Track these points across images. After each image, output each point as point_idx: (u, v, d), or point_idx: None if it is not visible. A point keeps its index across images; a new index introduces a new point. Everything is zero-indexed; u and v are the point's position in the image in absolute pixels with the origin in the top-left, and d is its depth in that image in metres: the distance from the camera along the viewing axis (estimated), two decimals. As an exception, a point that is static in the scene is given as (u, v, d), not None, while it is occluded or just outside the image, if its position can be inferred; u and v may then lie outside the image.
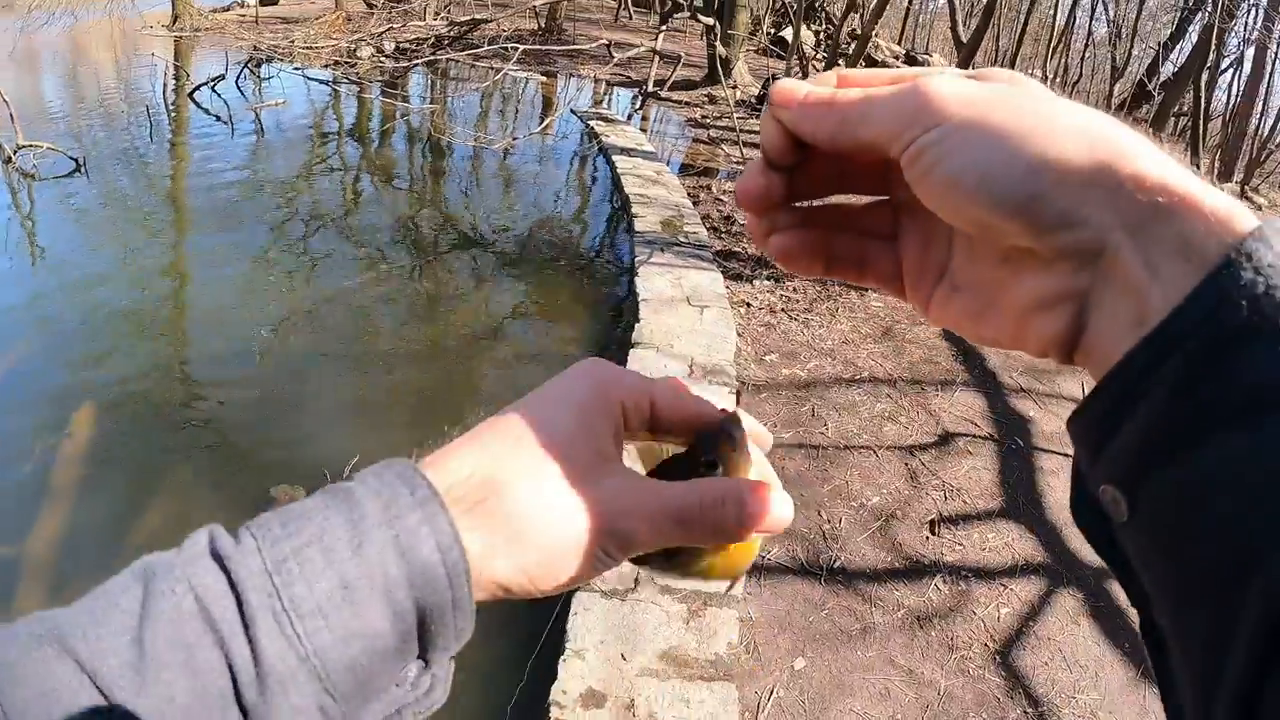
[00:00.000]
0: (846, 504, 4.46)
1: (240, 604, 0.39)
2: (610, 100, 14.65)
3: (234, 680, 0.38)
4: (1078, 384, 6.32)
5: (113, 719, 0.36)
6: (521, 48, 8.96)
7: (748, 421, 0.53)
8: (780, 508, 0.48)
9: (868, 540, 4.19)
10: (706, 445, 0.52)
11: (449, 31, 15.07)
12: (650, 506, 0.47)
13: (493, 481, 0.45)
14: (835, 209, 0.51)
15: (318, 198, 9.20)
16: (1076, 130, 0.38)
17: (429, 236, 8.25)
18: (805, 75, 7.99)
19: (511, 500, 0.45)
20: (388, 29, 14.78)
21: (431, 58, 11.79)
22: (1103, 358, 0.38)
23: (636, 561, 0.51)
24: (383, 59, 13.97)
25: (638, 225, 7.64)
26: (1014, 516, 4.66)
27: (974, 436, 5.28)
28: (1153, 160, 0.36)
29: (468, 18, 14.66)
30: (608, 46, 10.94)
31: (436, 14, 18.14)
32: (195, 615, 0.38)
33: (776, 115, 0.46)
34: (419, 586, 0.41)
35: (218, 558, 0.40)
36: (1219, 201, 0.35)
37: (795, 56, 7.52)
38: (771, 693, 3.33)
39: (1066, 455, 5.32)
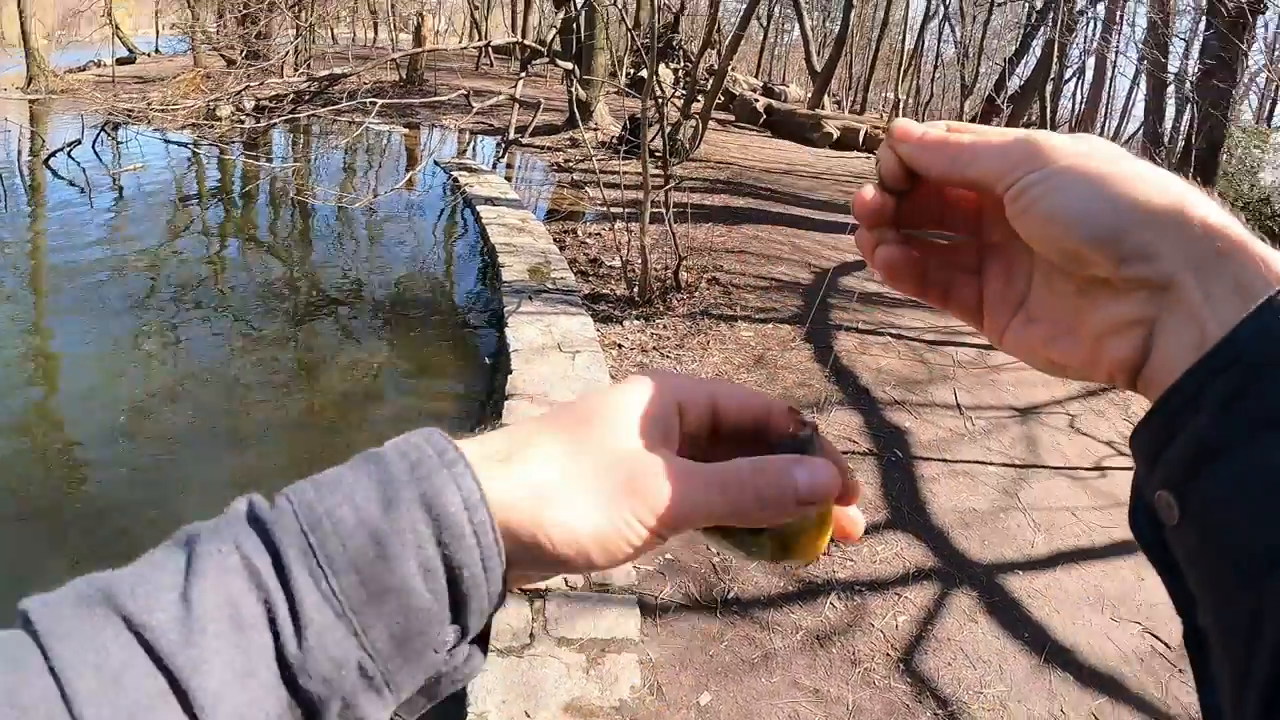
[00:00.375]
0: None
1: (279, 562, 0.40)
2: (475, 149, 14.63)
3: (276, 634, 0.39)
4: (949, 391, 6.47)
5: (160, 671, 0.36)
6: (380, 102, 8.82)
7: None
8: (836, 477, 0.51)
9: (758, 568, 4.19)
10: (782, 437, 0.53)
11: (308, 87, 14.86)
12: (690, 470, 0.48)
13: (523, 447, 0.47)
14: (931, 242, 0.57)
15: (182, 266, 8.89)
16: (1156, 182, 0.45)
17: (297, 301, 8.05)
18: (662, 115, 8.11)
19: (537, 460, 0.47)
20: (246, 87, 14.49)
21: (291, 115, 11.57)
22: (1164, 378, 0.44)
23: (706, 533, 0.52)
24: (243, 118, 13.67)
25: (505, 275, 7.58)
26: (901, 526, 4.74)
27: (853, 453, 5.36)
28: (1215, 212, 0.44)
29: (326, 72, 14.42)
30: (466, 96, 10.89)
31: (296, 69, 17.93)
32: (239, 571, 0.40)
33: (895, 147, 0.54)
34: (446, 544, 0.42)
35: (255, 521, 0.42)
36: (1267, 251, 0.42)
37: (650, 97, 7.53)
38: (678, 732, 3.29)
39: (945, 461, 5.43)
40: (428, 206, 11.42)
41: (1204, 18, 12.58)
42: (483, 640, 0.48)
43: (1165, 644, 4.26)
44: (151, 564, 0.40)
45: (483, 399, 6.02)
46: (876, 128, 18.89)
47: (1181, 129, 14.61)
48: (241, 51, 18.86)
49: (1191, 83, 13.26)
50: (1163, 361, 0.45)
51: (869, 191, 0.55)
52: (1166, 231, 0.43)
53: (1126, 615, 4.40)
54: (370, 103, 9.32)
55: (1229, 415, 0.39)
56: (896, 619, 3.99)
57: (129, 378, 6.23)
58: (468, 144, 14.95)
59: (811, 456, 0.51)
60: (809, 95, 23.04)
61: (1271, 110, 24.01)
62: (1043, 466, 5.82)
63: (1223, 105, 12.08)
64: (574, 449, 0.48)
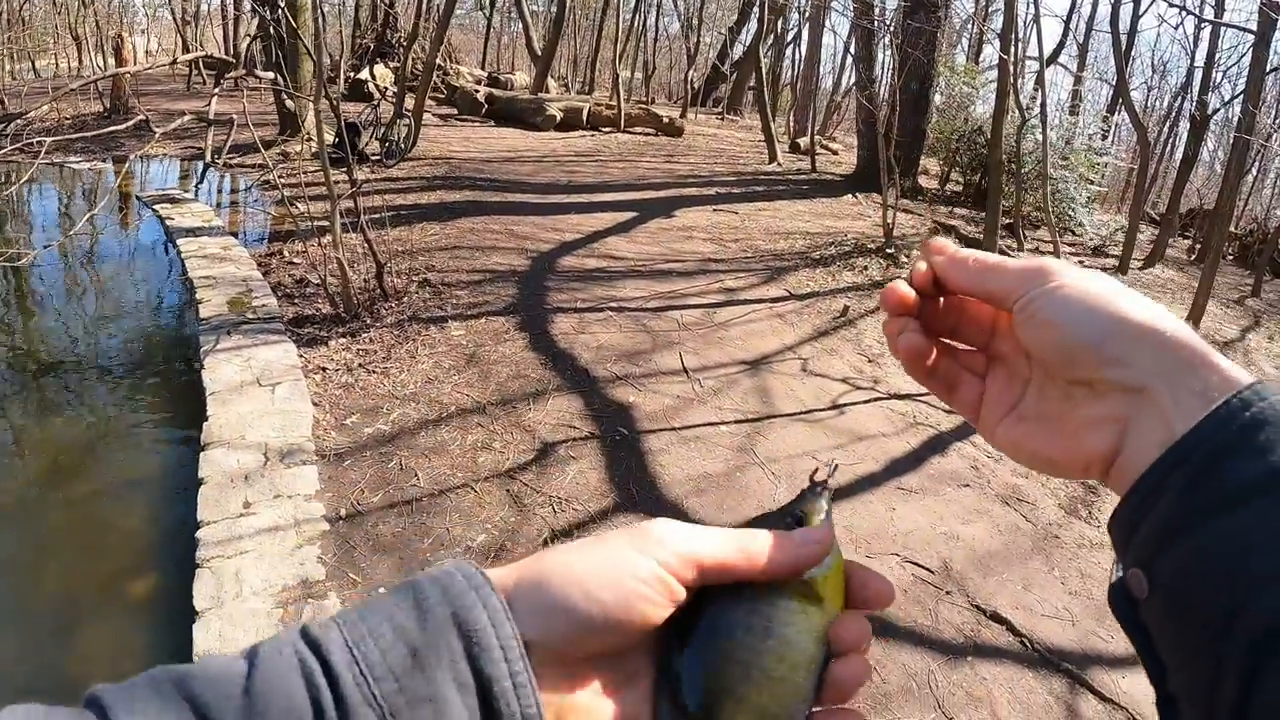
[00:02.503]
0: (450, 553, 4.21)
1: (327, 667, 0.43)
2: (199, 175, 13.67)
3: None
4: (675, 357, 6.40)
5: None
6: (49, 140, 7.96)
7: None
8: (814, 547, 0.56)
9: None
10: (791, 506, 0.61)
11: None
12: (702, 532, 0.54)
13: (534, 566, 0.51)
14: (946, 344, 0.66)
15: None
16: (1140, 305, 0.53)
17: None
18: (377, 116, 7.85)
19: (548, 569, 0.51)
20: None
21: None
22: (1133, 470, 0.51)
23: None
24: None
25: (204, 310, 7.07)
26: (631, 508, 4.63)
27: (574, 440, 5.20)
28: (1185, 331, 0.51)
29: (4, 113, 13.13)
30: (146, 121, 10.08)
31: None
32: (296, 669, 0.43)
33: (928, 259, 0.63)
34: (476, 658, 0.46)
35: (306, 635, 0.46)
36: (1227, 363, 0.50)
37: (354, 99, 7.17)
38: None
39: (674, 430, 5.34)
40: (137, 247, 10.61)
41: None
42: None
43: (927, 569, 4.30)
44: (219, 663, 0.44)
45: (180, 454, 5.51)
46: (599, 105, 18.98)
47: (887, 71, 15.27)
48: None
49: (889, 27, 13.83)
50: (1133, 455, 0.52)
51: (902, 286, 0.63)
52: (1143, 344, 0.51)
53: (882, 549, 4.42)
54: (38, 141, 8.44)
55: (1189, 500, 0.47)
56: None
57: None
58: (188, 170, 14.00)
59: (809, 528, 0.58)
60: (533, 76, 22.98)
61: (979, 50, 25.63)
62: (777, 416, 5.84)
63: (924, 45, 12.63)
64: (577, 554, 0.52)
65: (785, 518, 0.59)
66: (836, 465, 0.64)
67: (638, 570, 0.51)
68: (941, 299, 0.64)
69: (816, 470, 0.62)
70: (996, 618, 4.06)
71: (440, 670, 0.45)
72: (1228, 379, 0.49)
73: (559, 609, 0.49)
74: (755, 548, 0.54)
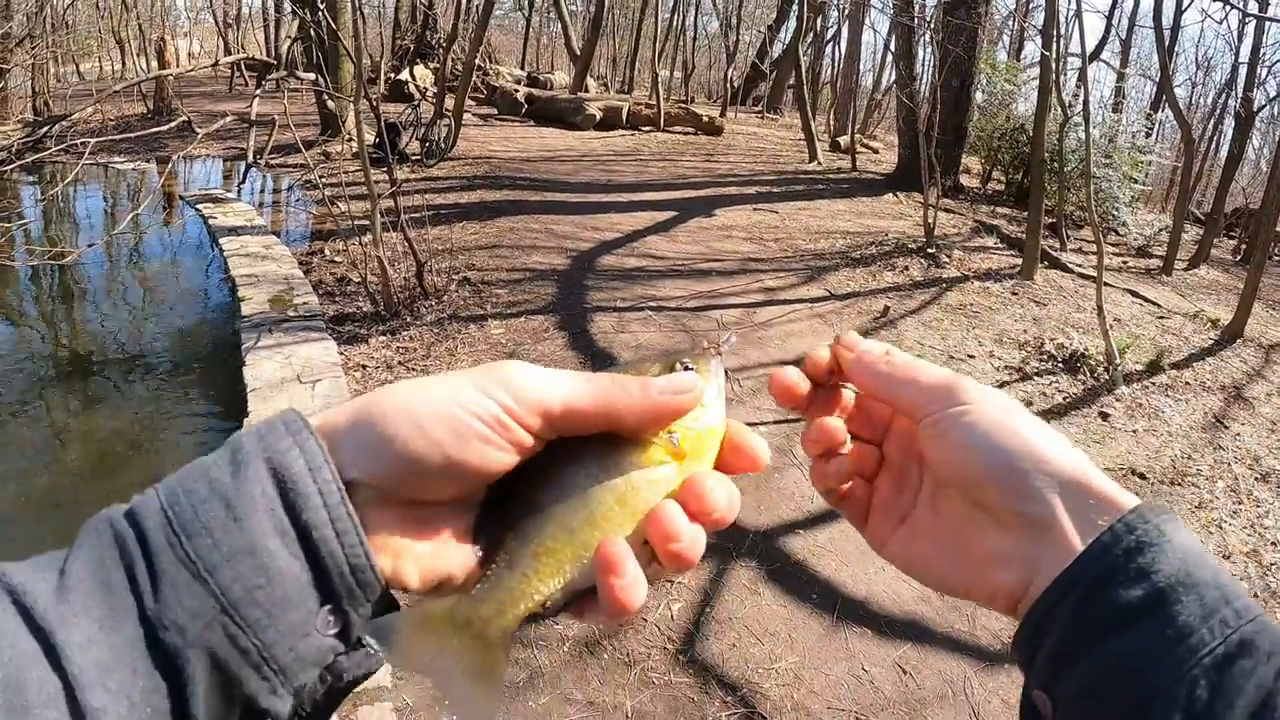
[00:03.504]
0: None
1: (140, 533, 0.43)
2: (242, 176, 13.81)
3: (138, 596, 0.41)
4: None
5: (33, 633, 0.40)
6: (94, 141, 8.10)
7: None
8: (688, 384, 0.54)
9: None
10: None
11: (34, 133, 13.67)
12: (553, 370, 0.52)
13: (370, 403, 0.49)
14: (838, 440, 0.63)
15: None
16: (1048, 438, 0.54)
17: (33, 370, 7.27)
18: (418, 117, 7.93)
19: (384, 407, 0.48)
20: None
21: (3, 166, 10.56)
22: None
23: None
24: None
25: (245, 308, 7.15)
26: (667, 506, 4.56)
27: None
28: (1086, 465, 0.53)
29: (49, 115, 13.31)
30: (189, 122, 10.18)
31: (35, 110, 16.57)
32: (110, 545, 0.43)
33: (837, 351, 0.61)
34: (294, 505, 0.44)
35: (129, 511, 0.44)
36: (1119, 493, 0.52)
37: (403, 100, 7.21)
38: (444, 778, 3.03)
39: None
40: (182, 246, 10.76)
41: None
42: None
43: None
44: (51, 554, 0.44)
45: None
46: (638, 104, 18.98)
47: (928, 69, 15.17)
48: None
49: (929, 24, 13.71)
50: (1040, 592, 0.52)
51: (790, 375, 0.61)
52: (1049, 480, 0.52)
53: None
54: (82, 142, 8.56)
55: (1079, 624, 0.48)
56: (670, 608, 3.81)
57: None
58: (230, 170, 14.16)
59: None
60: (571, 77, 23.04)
61: (1021, 46, 25.37)
62: (819, 416, 5.78)
63: (965, 42, 12.50)
64: (410, 389, 0.50)
65: (672, 363, 0.55)
66: (733, 335, 0.61)
67: (478, 409, 0.48)
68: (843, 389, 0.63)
69: (720, 334, 0.59)
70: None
71: (257, 520, 0.43)
72: (1117, 506, 0.51)
73: (390, 448, 0.47)
74: (612, 396, 0.51)
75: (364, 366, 6.03)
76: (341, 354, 6.20)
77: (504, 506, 0.51)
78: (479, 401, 0.48)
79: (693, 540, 0.51)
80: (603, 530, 0.50)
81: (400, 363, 6.09)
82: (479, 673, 0.50)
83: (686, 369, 0.55)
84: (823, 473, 0.62)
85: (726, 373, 0.58)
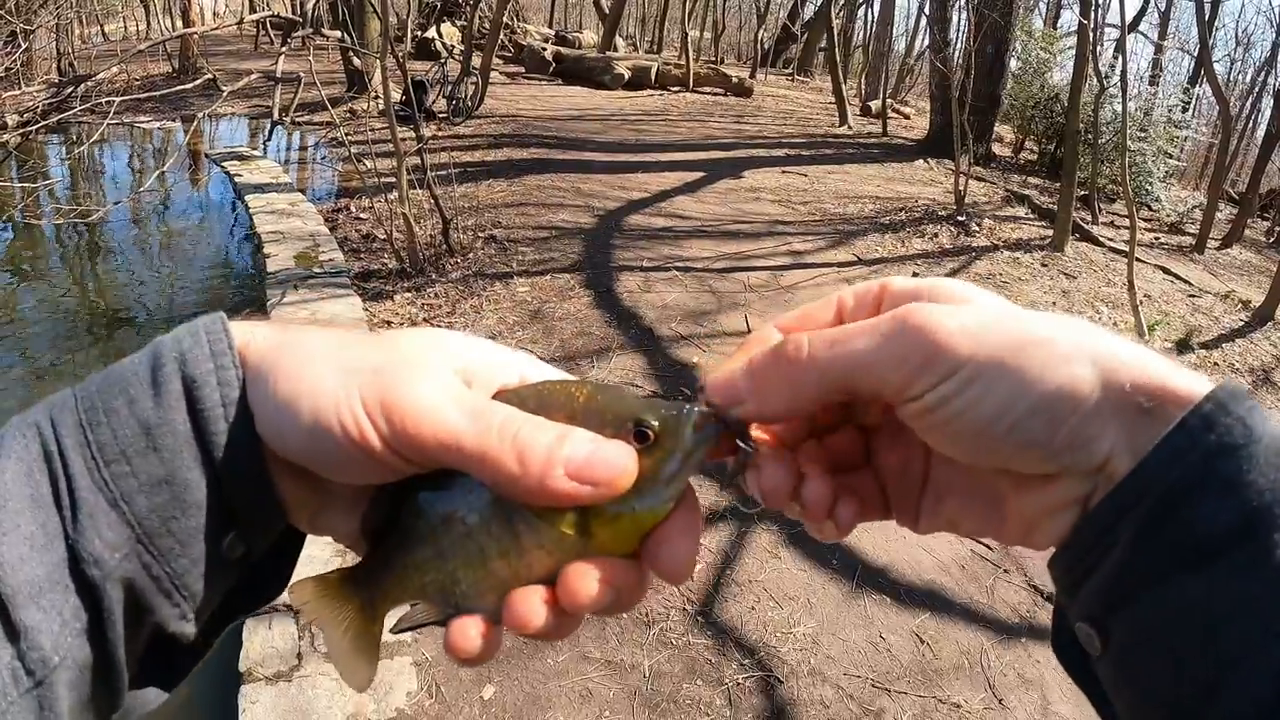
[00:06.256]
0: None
1: (62, 452, 0.41)
2: (269, 134, 13.84)
3: (62, 517, 0.40)
4: (740, 319, 6.34)
5: None
6: (119, 99, 8.11)
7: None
8: (614, 462, 0.43)
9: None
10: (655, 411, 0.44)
11: (60, 94, 13.67)
12: (455, 385, 0.45)
13: (279, 351, 0.45)
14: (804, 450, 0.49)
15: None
16: (1078, 354, 0.40)
17: (64, 331, 7.30)
18: (444, 75, 7.86)
19: (285, 364, 0.44)
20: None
21: (22, 127, 10.56)
22: None
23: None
24: (4, 135, 12.46)
25: (270, 264, 7.15)
26: (691, 470, 4.54)
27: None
28: (1136, 361, 0.40)
29: (74, 76, 13.32)
30: (214, 80, 10.17)
31: (60, 71, 16.57)
32: (38, 456, 0.41)
33: (724, 418, 0.45)
34: (209, 443, 0.43)
35: (52, 418, 0.43)
36: (1190, 381, 0.39)
37: (379, 55, 7.19)
38: (464, 732, 3.05)
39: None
40: (208, 205, 10.78)
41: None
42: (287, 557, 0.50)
43: (986, 545, 4.19)
44: None
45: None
46: (667, 64, 18.86)
47: (962, 34, 14.96)
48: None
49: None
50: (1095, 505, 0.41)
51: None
52: (1097, 413, 0.39)
53: None
54: (107, 102, 8.56)
55: (1143, 554, 0.38)
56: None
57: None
58: (257, 129, 14.16)
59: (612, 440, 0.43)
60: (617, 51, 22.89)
61: (1058, 14, 25.03)
62: (843, 382, 5.76)
63: (1001, 7, 12.32)
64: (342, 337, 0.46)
65: (622, 422, 0.43)
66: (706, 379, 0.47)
67: (351, 428, 0.42)
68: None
69: (697, 369, 0.48)
70: (1054, 600, 3.97)
71: (177, 448, 0.42)
72: (1189, 399, 0.38)
73: (276, 422, 0.43)
74: (497, 453, 0.41)
75: (389, 323, 6.03)
76: (366, 310, 6.21)
77: (399, 500, 0.47)
78: (354, 418, 0.41)
79: (551, 627, 0.44)
80: (478, 574, 0.45)
81: (425, 319, 6.09)
82: (358, 643, 0.50)
83: (643, 431, 0.43)
84: (813, 515, 0.48)
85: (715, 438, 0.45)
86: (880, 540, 4.06)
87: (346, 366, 0.43)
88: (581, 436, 0.42)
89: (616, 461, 0.42)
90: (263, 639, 3.25)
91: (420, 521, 0.46)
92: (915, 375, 0.40)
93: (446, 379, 0.44)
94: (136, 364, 0.43)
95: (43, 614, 0.39)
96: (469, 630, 0.44)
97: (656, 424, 0.43)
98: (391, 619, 0.50)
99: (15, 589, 0.38)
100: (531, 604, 0.43)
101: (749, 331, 5.71)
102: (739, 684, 3.26)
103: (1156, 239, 11.43)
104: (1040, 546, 0.45)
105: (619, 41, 23.44)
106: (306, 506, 0.48)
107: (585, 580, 0.42)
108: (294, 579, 0.51)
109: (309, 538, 0.52)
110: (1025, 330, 0.41)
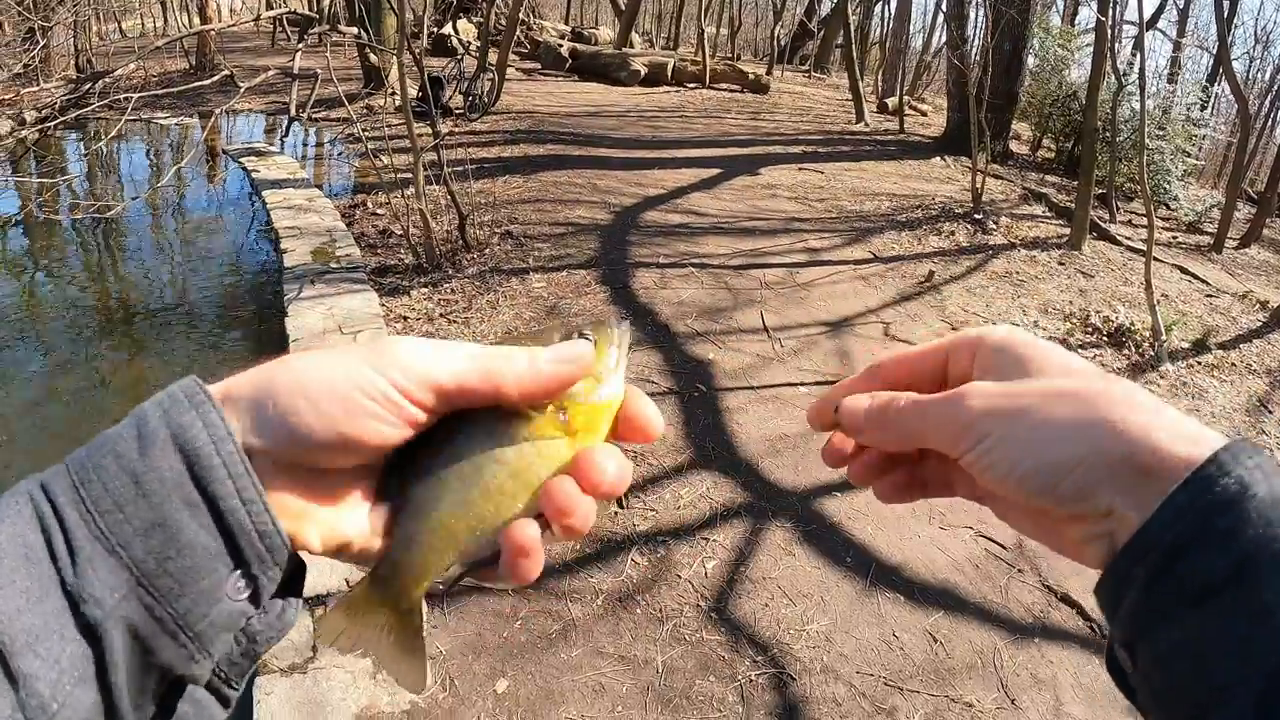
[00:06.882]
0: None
1: (55, 508, 0.44)
2: (286, 130, 13.87)
3: (59, 568, 0.43)
4: (756, 315, 6.33)
5: None
6: (136, 96, 8.13)
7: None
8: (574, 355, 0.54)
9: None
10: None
11: (77, 90, 13.74)
12: (438, 341, 0.52)
13: (267, 376, 0.49)
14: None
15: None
16: (1075, 433, 0.48)
17: (82, 325, 7.33)
18: (460, 71, 7.85)
19: (279, 382, 0.49)
20: (12, 98, 13.31)
21: (41, 124, 10.62)
22: None
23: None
24: (22, 131, 12.52)
25: (287, 260, 7.18)
26: (705, 465, 4.56)
27: (652, 394, 5.03)
28: (1139, 431, 0.47)
29: (91, 72, 13.40)
30: (231, 77, 10.21)
31: (78, 68, 16.64)
32: (31, 518, 0.44)
33: (848, 434, 0.61)
34: (200, 479, 0.45)
35: (43, 484, 0.45)
36: (1189, 449, 0.46)
37: (395, 52, 7.19)
38: (478, 726, 3.07)
39: (752, 389, 5.26)
40: (224, 200, 10.81)
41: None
42: (294, 591, 0.51)
43: (1000, 545, 4.18)
44: None
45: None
46: (683, 60, 18.82)
47: (979, 31, 14.88)
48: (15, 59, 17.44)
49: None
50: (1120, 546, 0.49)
51: (835, 441, 0.63)
52: (1094, 470, 0.48)
53: (956, 521, 4.31)
54: (125, 98, 8.61)
55: (1153, 595, 0.45)
56: (705, 566, 3.81)
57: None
58: (273, 125, 14.20)
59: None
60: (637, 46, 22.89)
61: (1075, 11, 24.84)
62: (857, 379, 5.74)
63: (1018, 4, 12.25)
64: (308, 359, 0.50)
65: (570, 332, 0.55)
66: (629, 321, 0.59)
67: (369, 388, 0.49)
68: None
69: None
70: (1067, 600, 3.94)
71: (165, 494, 0.44)
72: (1185, 461, 0.45)
73: (286, 423, 0.48)
74: (497, 369, 0.51)
75: (405, 318, 6.05)
76: (383, 305, 6.22)
77: (403, 474, 0.53)
78: (370, 379, 0.49)
79: (585, 514, 0.52)
80: (496, 503, 0.52)
81: (441, 315, 6.10)
82: (402, 642, 0.54)
83: (584, 338, 0.54)
84: (860, 474, 0.63)
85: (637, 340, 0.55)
86: (894, 539, 4.05)
87: (347, 364, 0.50)
88: (553, 344, 0.54)
89: (581, 345, 0.54)
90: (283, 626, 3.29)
91: (431, 478, 0.52)
92: (956, 442, 0.52)
93: (428, 349, 0.51)
94: (122, 427, 0.47)
95: (40, 661, 0.41)
96: (525, 540, 0.52)
97: (590, 331, 0.55)
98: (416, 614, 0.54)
99: (12, 638, 0.40)
100: (569, 492, 0.52)
101: (765, 329, 5.65)
102: (751, 680, 3.27)
103: (1174, 238, 11.34)
104: (1091, 565, 0.52)
105: (635, 38, 23.42)
106: (308, 516, 0.50)
107: (597, 456, 0.53)
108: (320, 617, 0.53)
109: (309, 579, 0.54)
110: (1039, 406, 0.50)
